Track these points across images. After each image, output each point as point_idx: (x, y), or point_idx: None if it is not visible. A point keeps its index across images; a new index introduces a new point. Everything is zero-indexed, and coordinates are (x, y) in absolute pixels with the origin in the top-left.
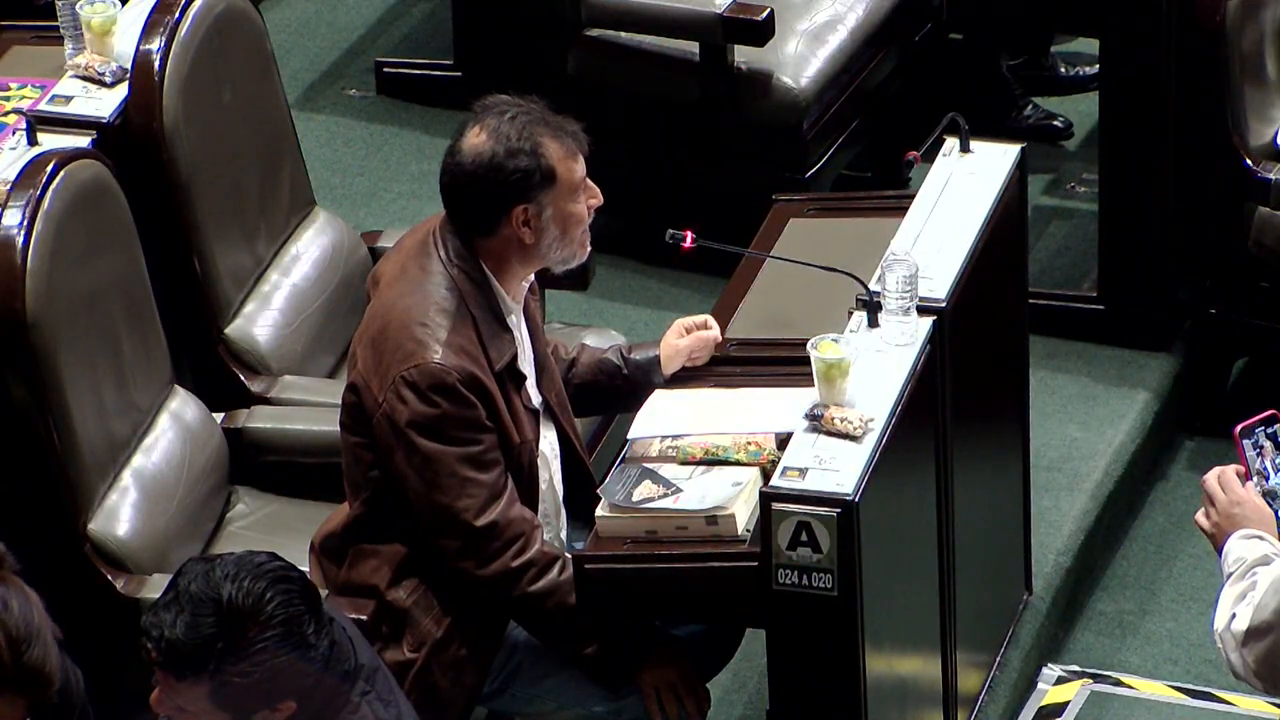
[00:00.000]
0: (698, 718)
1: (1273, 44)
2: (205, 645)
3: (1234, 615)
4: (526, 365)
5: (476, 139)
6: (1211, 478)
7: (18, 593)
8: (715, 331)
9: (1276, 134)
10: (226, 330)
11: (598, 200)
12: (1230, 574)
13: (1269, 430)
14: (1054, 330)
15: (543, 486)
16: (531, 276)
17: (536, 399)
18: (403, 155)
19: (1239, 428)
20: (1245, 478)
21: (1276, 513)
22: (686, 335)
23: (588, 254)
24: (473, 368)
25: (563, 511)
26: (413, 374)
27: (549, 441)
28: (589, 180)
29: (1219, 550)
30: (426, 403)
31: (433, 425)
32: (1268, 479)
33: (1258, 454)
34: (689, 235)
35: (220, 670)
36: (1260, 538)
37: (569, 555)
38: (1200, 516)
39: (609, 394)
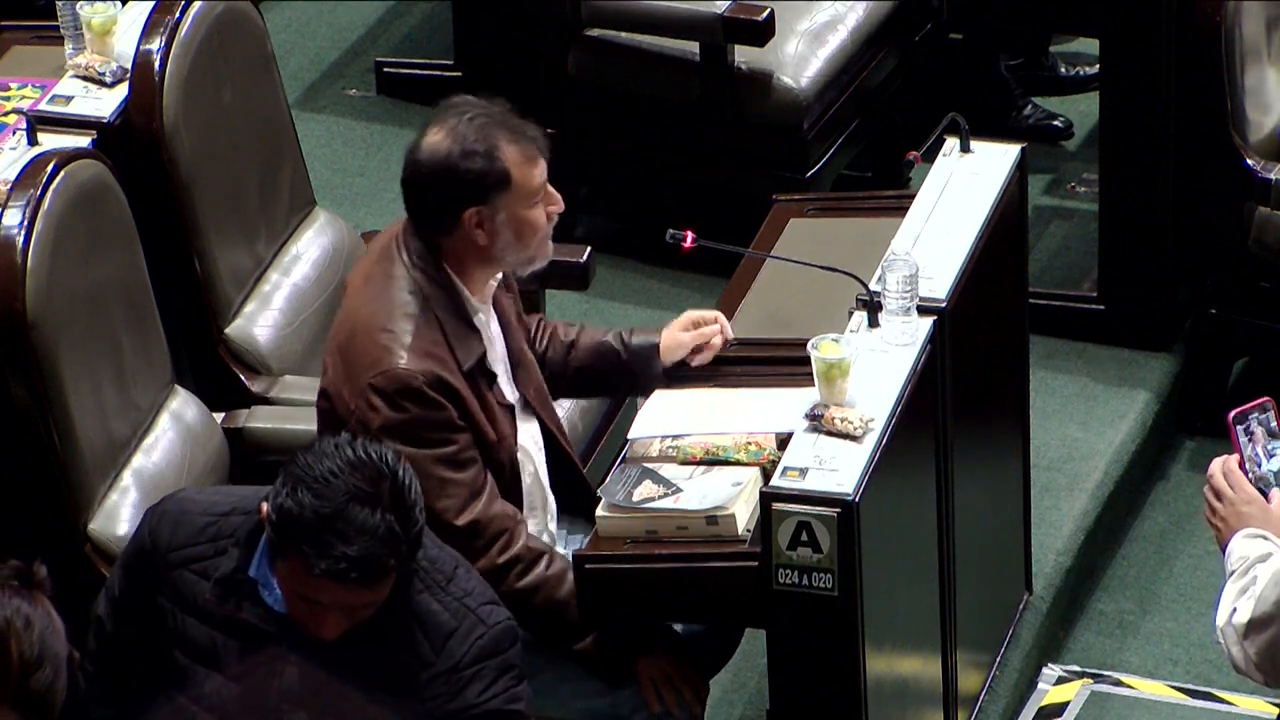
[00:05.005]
0: (696, 706)
1: (1271, 41)
2: (384, 533)
3: (1235, 609)
4: (497, 363)
5: (435, 137)
6: (1218, 474)
7: (43, 615)
8: (720, 335)
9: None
10: (226, 330)
11: (558, 207)
12: (1232, 572)
13: (1261, 416)
14: (1054, 330)
15: (527, 480)
16: (500, 275)
17: (511, 395)
18: (402, 155)
19: (1233, 414)
20: (1241, 464)
21: (1267, 498)
22: (692, 329)
23: (548, 258)
24: (439, 370)
25: (550, 503)
26: (380, 380)
27: (531, 435)
28: (550, 187)
29: (1223, 547)
30: (395, 408)
31: (404, 429)
32: (1259, 466)
33: (1249, 440)
34: (689, 235)
35: (399, 534)
36: (1264, 537)
37: (556, 549)
38: (1207, 512)
39: (608, 378)
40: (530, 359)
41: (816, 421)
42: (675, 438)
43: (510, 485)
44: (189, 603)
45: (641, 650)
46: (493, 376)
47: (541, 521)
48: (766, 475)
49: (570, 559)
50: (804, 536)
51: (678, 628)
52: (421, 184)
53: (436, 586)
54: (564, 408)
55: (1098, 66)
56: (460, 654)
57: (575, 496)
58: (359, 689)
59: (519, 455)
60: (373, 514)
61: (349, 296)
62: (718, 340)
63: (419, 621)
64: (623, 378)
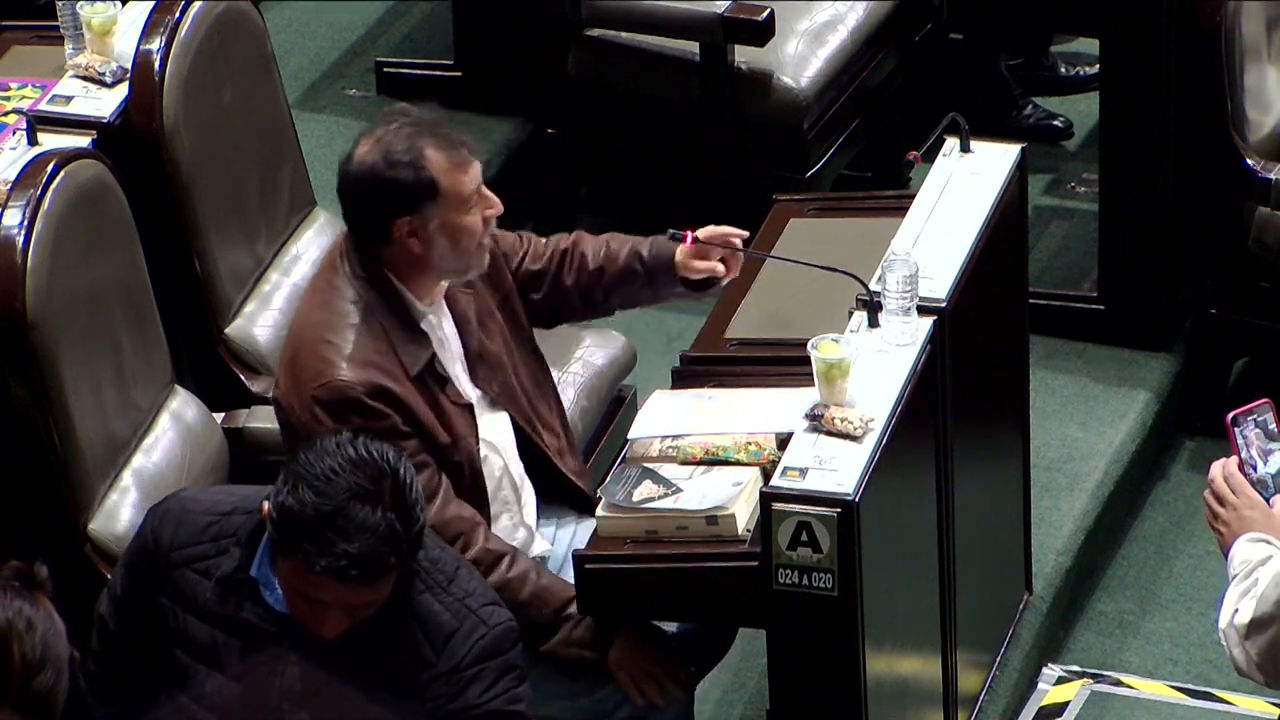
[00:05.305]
0: (678, 691)
1: (1271, 41)
2: (385, 531)
3: (1236, 610)
4: (452, 364)
5: (362, 149)
6: (1219, 478)
7: (45, 617)
8: (729, 261)
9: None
10: (226, 330)
11: (495, 210)
12: (1235, 575)
13: (1259, 419)
14: (1054, 330)
15: (495, 476)
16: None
17: (472, 394)
18: None
19: (1231, 415)
20: (1240, 467)
21: (1267, 500)
22: (704, 261)
23: (487, 263)
24: (380, 379)
25: (525, 496)
26: (321, 393)
27: (498, 431)
28: (485, 190)
29: (1225, 552)
30: (339, 420)
31: None
32: (1255, 469)
33: (1245, 443)
34: (689, 235)
35: (400, 533)
36: (1267, 541)
37: (518, 550)
38: (1209, 516)
39: (638, 294)
40: (496, 355)
41: (816, 421)
42: (675, 438)
43: (471, 484)
44: (190, 602)
45: (608, 645)
46: (444, 378)
47: (516, 516)
48: (766, 475)
49: (532, 559)
50: (804, 536)
51: (671, 626)
52: (352, 196)
53: (438, 587)
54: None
55: (1098, 66)
56: (461, 655)
57: (557, 488)
58: (360, 689)
59: (484, 452)
60: (373, 512)
61: (298, 307)
62: (729, 268)
63: (420, 622)
64: (651, 287)
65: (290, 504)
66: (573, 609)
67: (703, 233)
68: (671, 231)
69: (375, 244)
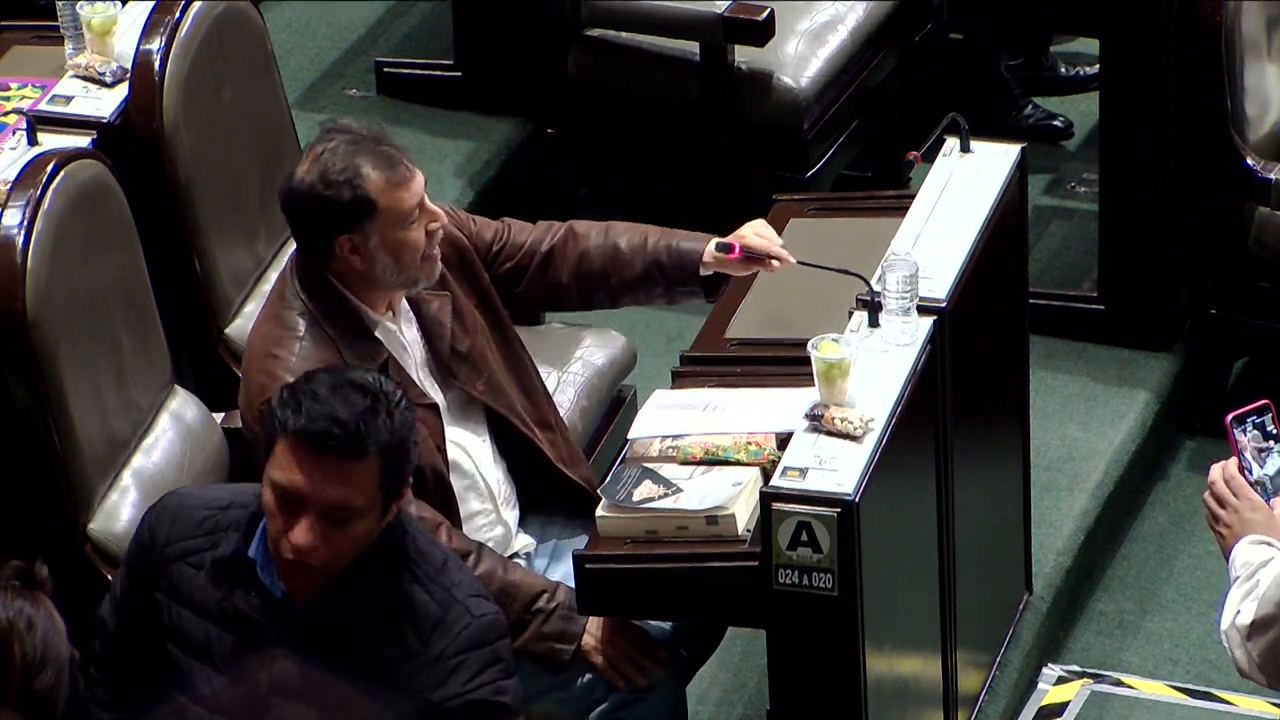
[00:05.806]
0: (659, 671)
1: (1271, 40)
2: (369, 412)
3: (1239, 611)
4: (419, 368)
5: (304, 167)
6: (1220, 480)
7: (46, 616)
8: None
9: None
10: (226, 330)
11: (438, 223)
12: (1237, 577)
13: (1258, 420)
14: (1054, 330)
15: (465, 477)
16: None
17: (436, 396)
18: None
19: (1230, 416)
20: (1240, 468)
21: (1266, 501)
22: (743, 263)
23: (437, 274)
24: None
25: (501, 496)
26: (267, 407)
27: (471, 431)
28: (429, 203)
29: (1226, 554)
30: None
31: None
32: (1251, 473)
33: (1243, 444)
34: (737, 248)
35: (384, 421)
36: (1269, 543)
37: (485, 547)
38: (1209, 519)
39: (653, 299)
40: (477, 353)
41: (816, 421)
42: (675, 438)
43: (435, 486)
44: (185, 597)
45: (579, 635)
46: (400, 383)
47: (494, 516)
48: (766, 475)
49: (499, 555)
50: (804, 536)
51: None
52: (294, 214)
53: (425, 577)
54: (563, 408)
55: (1098, 66)
56: (446, 643)
57: (550, 486)
58: (348, 679)
59: (452, 454)
60: (362, 398)
61: (254, 321)
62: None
63: (407, 612)
64: (665, 297)
65: (284, 395)
66: (541, 603)
67: (748, 242)
68: (719, 242)
69: (321, 260)
